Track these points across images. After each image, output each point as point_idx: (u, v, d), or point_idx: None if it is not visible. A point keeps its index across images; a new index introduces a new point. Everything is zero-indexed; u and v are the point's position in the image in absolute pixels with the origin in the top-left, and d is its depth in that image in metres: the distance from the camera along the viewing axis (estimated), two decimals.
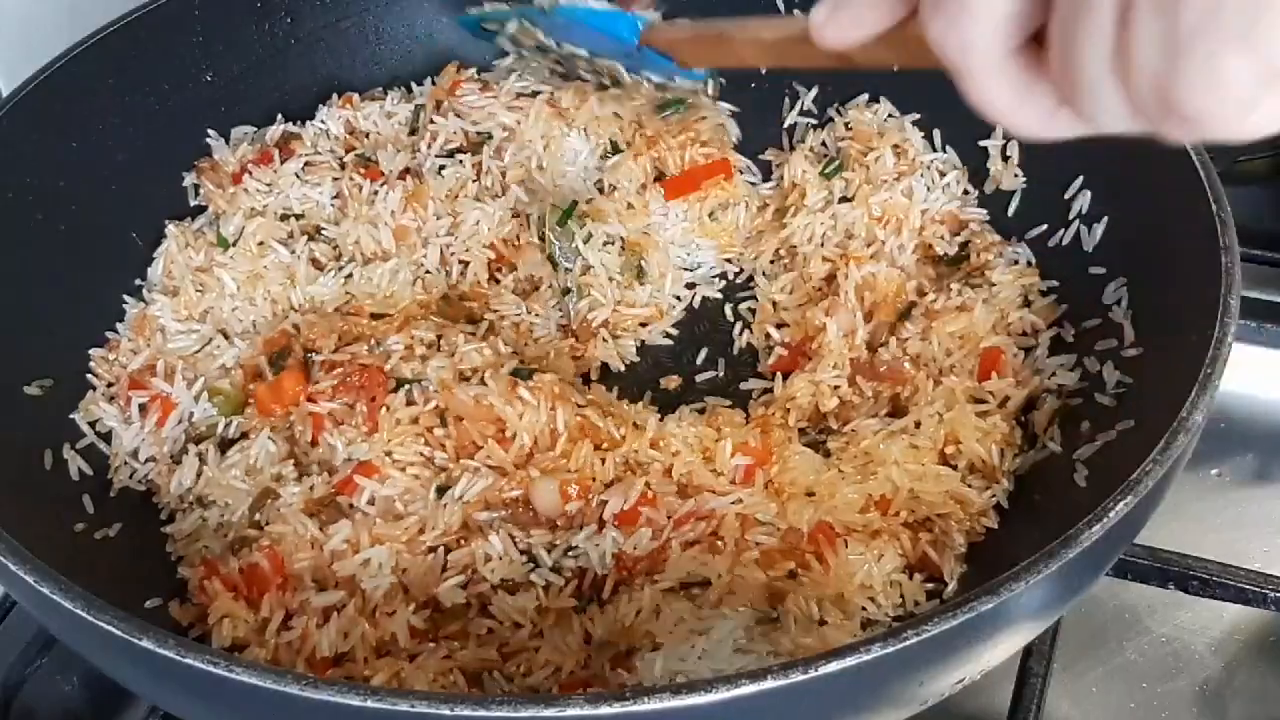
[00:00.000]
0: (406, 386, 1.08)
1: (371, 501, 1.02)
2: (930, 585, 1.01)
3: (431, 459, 1.05)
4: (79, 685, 1.10)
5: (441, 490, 1.03)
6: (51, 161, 1.17)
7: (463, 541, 1.01)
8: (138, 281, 1.24)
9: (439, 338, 1.13)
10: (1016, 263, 1.21)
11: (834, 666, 0.70)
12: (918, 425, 1.09)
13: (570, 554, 1.00)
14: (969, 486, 1.05)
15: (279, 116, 1.34)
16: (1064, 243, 1.19)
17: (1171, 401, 0.87)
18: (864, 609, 0.97)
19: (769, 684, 0.69)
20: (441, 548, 1.00)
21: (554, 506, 1.01)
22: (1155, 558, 1.05)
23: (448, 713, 0.69)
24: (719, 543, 1.00)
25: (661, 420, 1.11)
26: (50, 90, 1.17)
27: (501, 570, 0.99)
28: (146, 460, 1.11)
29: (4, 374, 1.07)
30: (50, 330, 1.13)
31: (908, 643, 0.71)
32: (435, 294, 1.24)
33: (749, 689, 0.69)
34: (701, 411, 1.15)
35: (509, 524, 1.01)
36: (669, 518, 1.00)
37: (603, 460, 1.04)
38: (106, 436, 1.12)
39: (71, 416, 1.11)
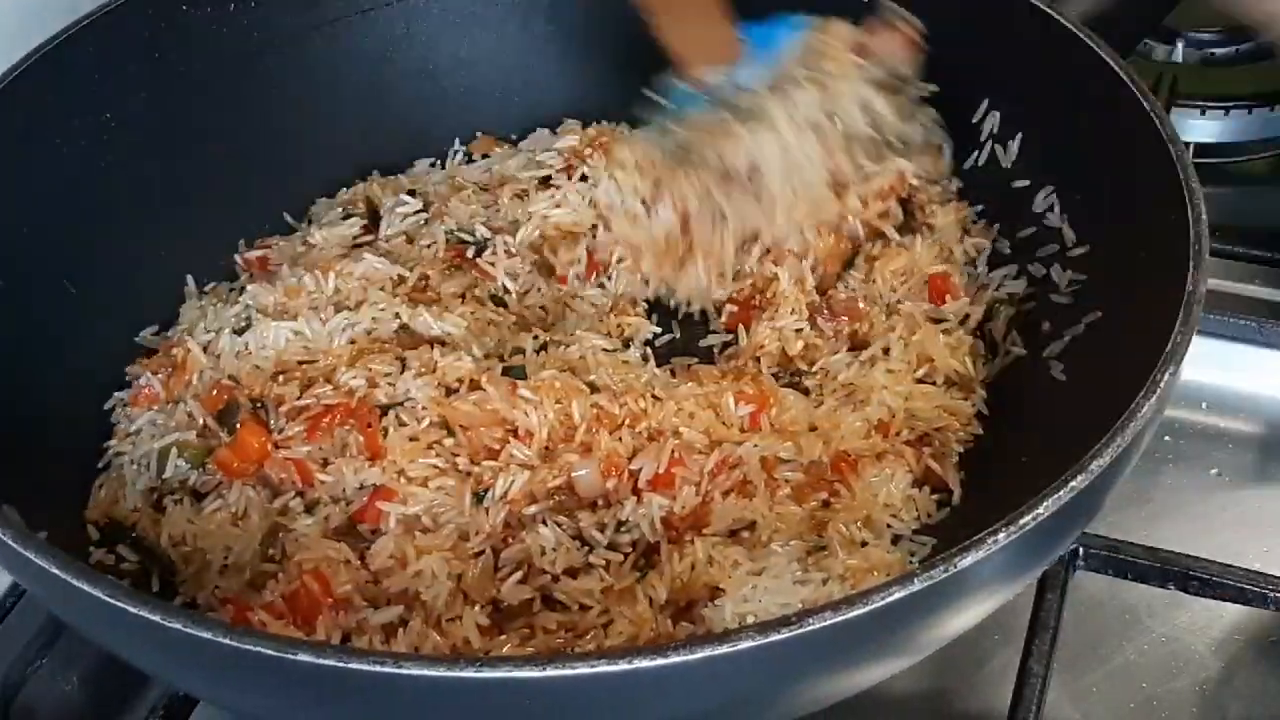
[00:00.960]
0: (391, 411, 1.08)
1: (398, 522, 1.02)
2: (936, 496, 1.06)
3: (452, 468, 1.05)
4: (79, 685, 1.10)
5: (478, 495, 1.03)
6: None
7: (509, 540, 1.01)
8: None
9: (402, 360, 1.13)
10: (950, 201, 1.25)
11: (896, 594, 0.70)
12: (886, 352, 1.15)
13: (622, 529, 1.02)
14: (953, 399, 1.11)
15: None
16: (980, 163, 1.24)
17: (1144, 283, 0.93)
18: (889, 526, 1.03)
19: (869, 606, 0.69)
20: (488, 550, 1.01)
21: (596, 487, 1.04)
22: (1155, 558, 1.06)
23: (586, 671, 0.68)
24: (750, 486, 1.03)
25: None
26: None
27: (561, 559, 1.00)
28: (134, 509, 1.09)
29: None
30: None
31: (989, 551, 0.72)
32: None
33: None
34: (673, 374, 1.16)
35: (554, 513, 1.02)
36: (701, 472, 1.03)
37: (620, 439, 1.06)
38: None
39: None
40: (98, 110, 1.21)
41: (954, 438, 1.09)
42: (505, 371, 1.11)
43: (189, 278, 1.28)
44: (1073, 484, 0.76)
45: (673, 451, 1.04)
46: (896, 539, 1.03)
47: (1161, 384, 0.82)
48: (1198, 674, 1.09)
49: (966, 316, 1.18)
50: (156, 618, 0.72)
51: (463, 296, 1.24)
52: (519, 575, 0.99)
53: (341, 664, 0.69)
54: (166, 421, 1.13)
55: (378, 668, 0.69)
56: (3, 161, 1.12)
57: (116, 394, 1.18)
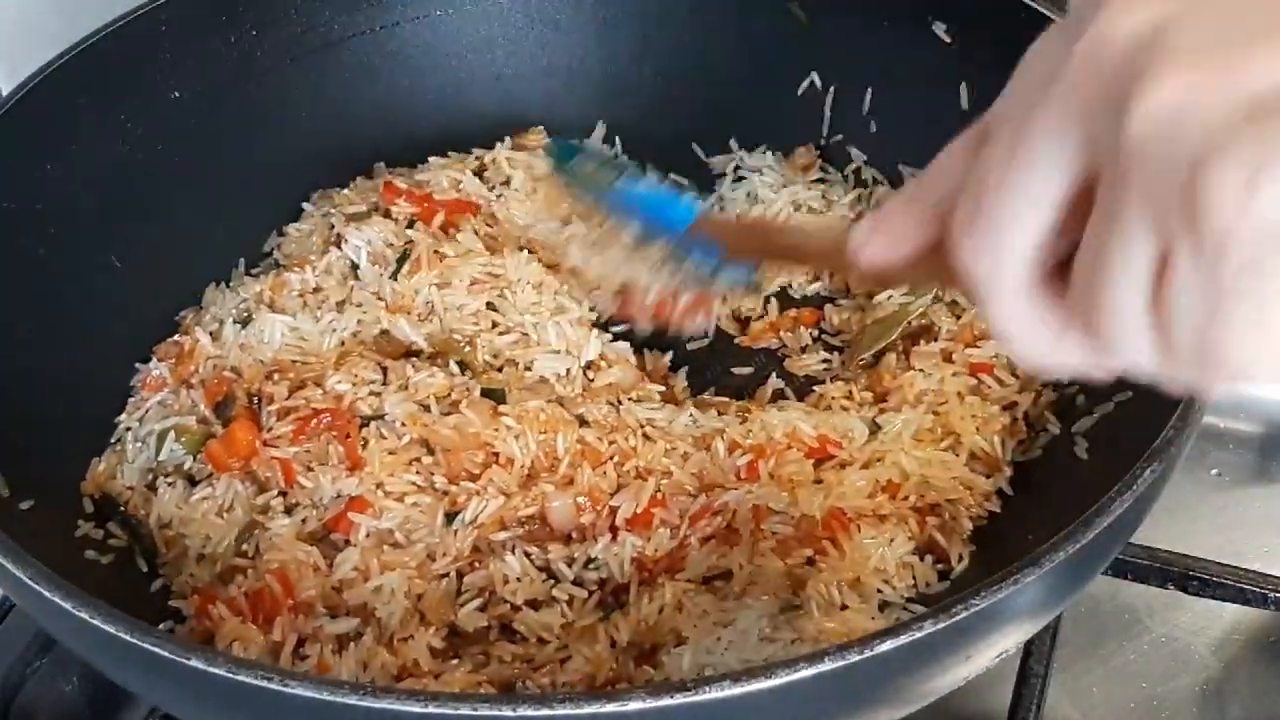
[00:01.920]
0: (373, 423, 1.07)
1: (369, 535, 1.01)
2: (940, 566, 1.01)
3: (429, 486, 1.03)
4: (79, 685, 1.10)
5: (450, 516, 1.01)
6: (28, 180, 1.14)
7: (476, 565, 0.99)
8: None
9: (384, 369, 1.12)
10: None
11: (887, 645, 0.69)
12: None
13: (590, 566, 0.99)
14: (974, 473, 1.05)
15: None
16: None
17: None
18: (880, 591, 0.98)
19: (825, 666, 0.68)
20: (453, 573, 0.99)
21: (570, 521, 1.01)
22: (1155, 558, 1.05)
23: (510, 713, 0.67)
24: (735, 535, 1.00)
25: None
26: (26, 108, 1.12)
27: (524, 590, 0.97)
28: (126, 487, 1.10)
29: None
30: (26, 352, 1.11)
31: (941, 626, 0.70)
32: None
33: (806, 672, 0.68)
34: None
35: (525, 542, 1.00)
36: (682, 516, 1.00)
37: (605, 473, 1.03)
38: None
39: None
40: (152, 94, 1.24)
41: (965, 511, 1.04)
42: (485, 394, 1.09)
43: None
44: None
45: (656, 491, 1.01)
46: (885, 605, 0.98)
47: (1139, 482, 0.79)
48: (1198, 674, 1.09)
49: (1014, 403, 1.10)
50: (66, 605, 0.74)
51: None
52: (478, 602, 0.97)
53: (230, 674, 0.70)
54: (173, 404, 1.14)
55: (264, 683, 0.69)
56: (58, 142, 1.15)
57: (140, 366, 1.19)
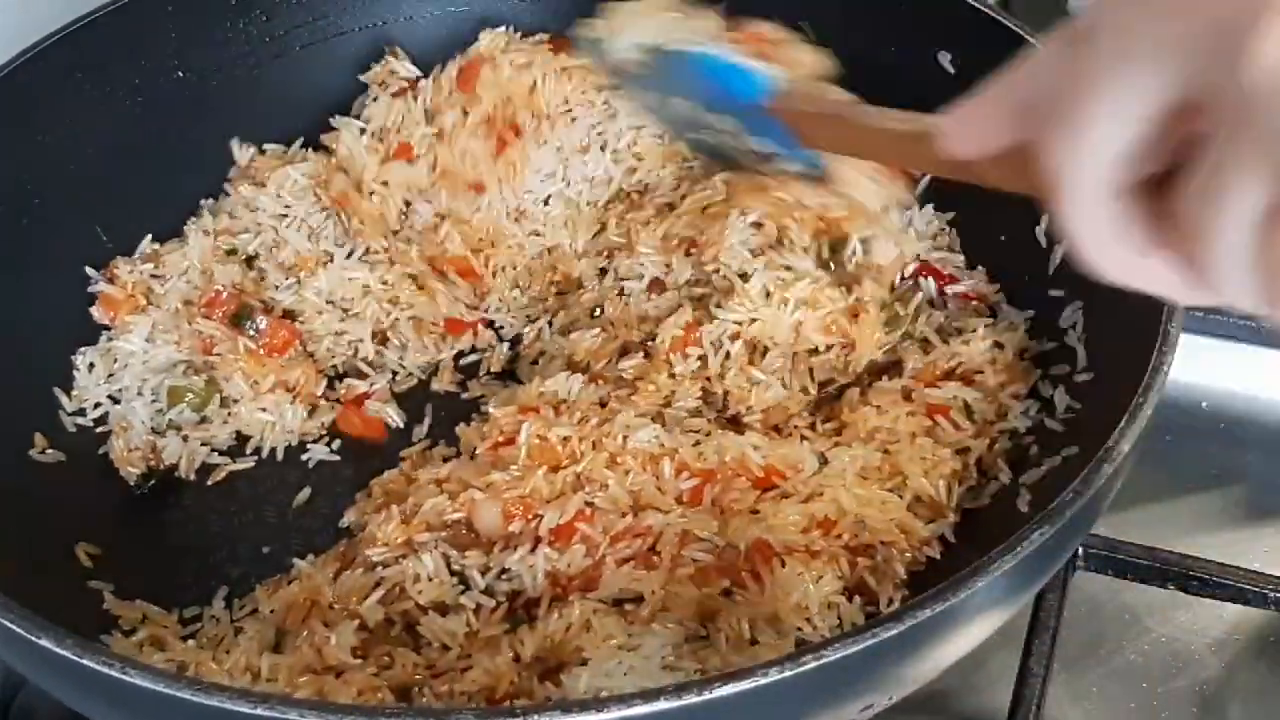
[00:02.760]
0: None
1: None
2: (871, 609, 0.97)
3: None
4: None
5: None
6: (14, 156, 1.17)
7: (401, 559, 0.98)
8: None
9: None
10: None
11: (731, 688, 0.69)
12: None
13: (504, 576, 0.97)
14: (915, 515, 1.01)
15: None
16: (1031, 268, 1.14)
17: (1105, 428, 0.85)
18: (799, 629, 0.94)
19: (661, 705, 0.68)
20: (377, 565, 0.99)
21: (496, 528, 0.98)
22: (1155, 558, 1.05)
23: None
24: (655, 558, 0.97)
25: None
26: (14, 85, 1.16)
27: (430, 592, 0.96)
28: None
29: None
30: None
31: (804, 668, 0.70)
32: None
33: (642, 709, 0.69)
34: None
35: (447, 545, 0.98)
36: (605, 533, 0.97)
37: (551, 481, 1.01)
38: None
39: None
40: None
41: (899, 555, 0.99)
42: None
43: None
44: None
45: (586, 506, 0.98)
46: (801, 644, 0.93)
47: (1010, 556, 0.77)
48: (1198, 674, 1.09)
49: (966, 449, 1.06)
50: None
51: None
52: (380, 593, 0.97)
53: (75, 658, 0.72)
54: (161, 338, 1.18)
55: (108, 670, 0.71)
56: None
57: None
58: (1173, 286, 0.55)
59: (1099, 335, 1.05)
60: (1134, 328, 0.93)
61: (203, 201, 1.30)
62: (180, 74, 1.29)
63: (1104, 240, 0.56)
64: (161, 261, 1.24)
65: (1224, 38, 0.48)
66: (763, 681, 0.70)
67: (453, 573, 0.98)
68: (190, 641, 1.00)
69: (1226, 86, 0.48)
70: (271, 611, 1.00)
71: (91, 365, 1.18)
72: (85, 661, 0.73)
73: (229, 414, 1.17)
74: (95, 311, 1.21)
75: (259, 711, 0.69)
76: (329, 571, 1.01)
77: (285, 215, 1.26)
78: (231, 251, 1.25)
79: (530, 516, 0.99)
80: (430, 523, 1.00)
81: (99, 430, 1.16)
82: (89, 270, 1.22)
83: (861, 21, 1.22)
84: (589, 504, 0.99)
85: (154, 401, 1.16)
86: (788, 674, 0.70)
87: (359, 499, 1.10)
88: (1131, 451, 0.84)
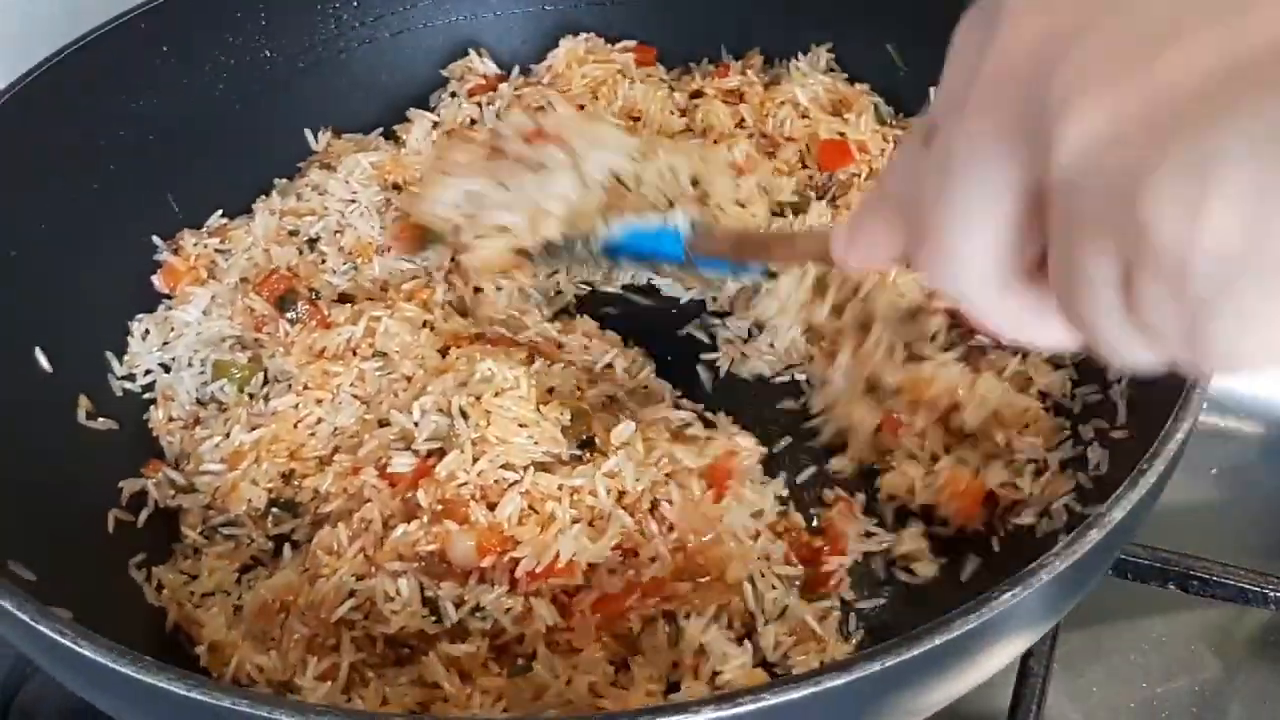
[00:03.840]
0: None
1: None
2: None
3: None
4: None
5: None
6: (94, 121, 1.19)
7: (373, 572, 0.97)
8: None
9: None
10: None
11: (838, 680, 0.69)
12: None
13: (478, 614, 0.95)
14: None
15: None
16: None
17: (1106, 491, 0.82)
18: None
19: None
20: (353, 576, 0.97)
21: (470, 560, 0.96)
22: (1155, 558, 1.05)
23: None
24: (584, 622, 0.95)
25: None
26: (101, 51, 1.18)
27: (400, 619, 0.94)
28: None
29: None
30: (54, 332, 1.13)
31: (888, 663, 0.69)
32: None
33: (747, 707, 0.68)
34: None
35: (419, 574, 0.96)
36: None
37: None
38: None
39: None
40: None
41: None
42: None
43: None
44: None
45: (555, 558, 0.95)
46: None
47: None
48: (1198, 674, 1.09)
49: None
50: None
51: None
52: (351, 603, 0.95)
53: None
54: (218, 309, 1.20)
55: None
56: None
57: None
58: (1078, 344, 0.54)
59: (1140, 392, 1.02)
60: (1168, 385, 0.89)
61: (276, 181, 1.33)
62: (268, 53, 1.32)
63: (1012, 321, 0.55)
64: (228, 237, 1.26)
65: (1032, 126, 0.46)
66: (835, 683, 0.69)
67: (425, 601, 0.95)
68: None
69: (1051, 169, 0.46)
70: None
71: (147, 332, 1.19)
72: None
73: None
74: (156, 280, 1.23)
75: None
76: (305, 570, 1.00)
77: (352, 201, 1.28)
78: (294, 233, 1.27)
79: (503, 553, 0.96)
80: (403, 552, 0.97)
81: (145, 397, 1.17)
82: (155, 239, 1.25)
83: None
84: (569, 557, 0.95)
85: (201, 373, 1.18)
86: (855, 676, 0.69)
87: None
88: (1115, 521, 0.79)
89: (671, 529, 0.98)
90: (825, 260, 0.71)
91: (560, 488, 0.98)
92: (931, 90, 0.56)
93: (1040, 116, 0.46)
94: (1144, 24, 0.44)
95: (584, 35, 1.40)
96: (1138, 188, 0.42)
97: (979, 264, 0.52)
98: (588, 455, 1.02)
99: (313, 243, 1.27)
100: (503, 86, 1.38)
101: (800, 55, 1.38)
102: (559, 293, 1.25)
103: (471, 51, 1.41)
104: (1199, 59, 0.42)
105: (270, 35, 1.32)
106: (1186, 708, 1.06)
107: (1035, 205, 0.49)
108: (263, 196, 1.31)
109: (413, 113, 1.37)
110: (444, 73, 1.41)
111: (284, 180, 1.33)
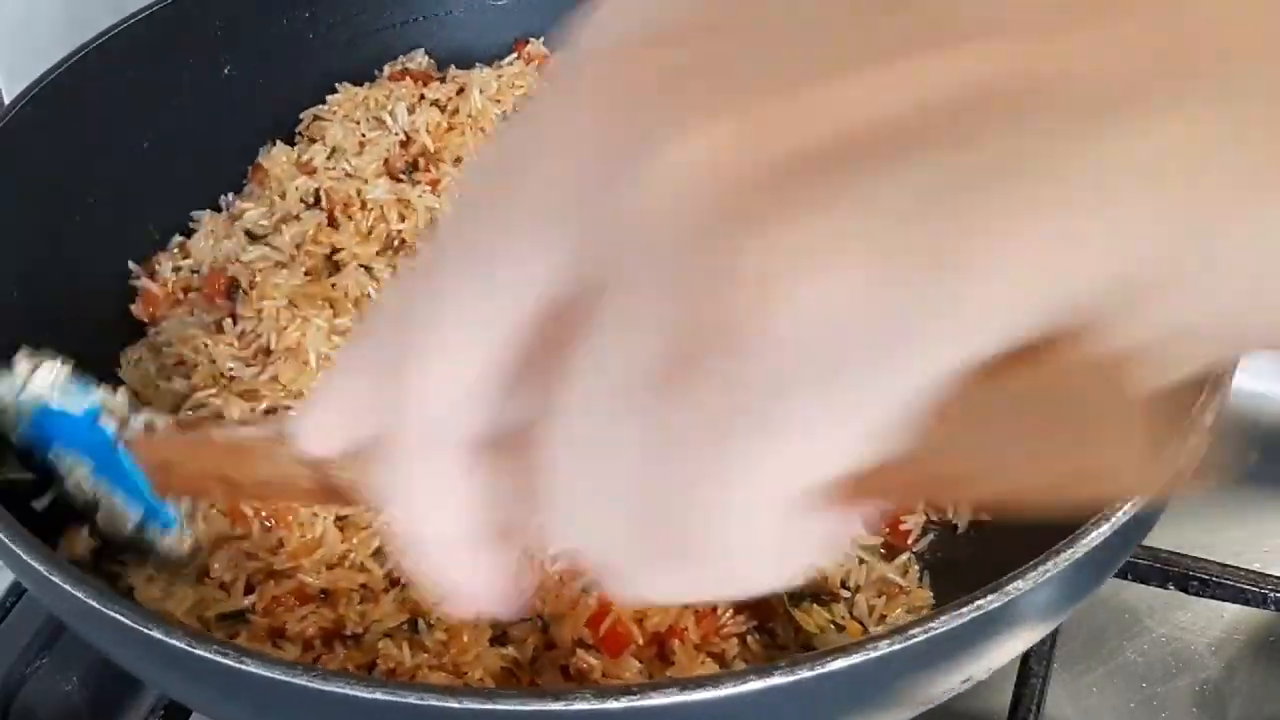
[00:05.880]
0: None
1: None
2: None
3: None
4: (79, 685, 1.10)
5: None
6: (58, 162, 1.16)
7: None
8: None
9: None
10: None
11: (840, 664, 0.67)
12: None
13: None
14: None
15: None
16: None
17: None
18: None
19: (775, 680, 0.66)
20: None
21: None
22: (1155, 558, 1.05)
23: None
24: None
25: None
26: (57, 91, 1.15)
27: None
28: None
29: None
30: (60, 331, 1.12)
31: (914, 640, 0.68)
32: None
33: (756, 684, 0.66)
34: None
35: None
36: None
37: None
38: None
39: None
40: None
41: None
42: None
43: None
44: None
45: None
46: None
47: None
48: (1198, 674, 1.09)
49: None
50: None
51: None
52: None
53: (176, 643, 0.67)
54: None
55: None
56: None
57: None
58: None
59: None
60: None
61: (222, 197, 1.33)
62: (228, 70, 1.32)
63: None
64: (189, 252, 1.25)
65: (613, 176, 0.32)
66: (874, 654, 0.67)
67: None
68: None
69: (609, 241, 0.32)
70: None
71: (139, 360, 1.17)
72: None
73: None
74: (134, 309, 1.21)
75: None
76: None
77: None
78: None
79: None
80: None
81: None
82: (131, 265, 1.22)
83: None
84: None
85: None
86: (896, 646, 0.67)
87: None
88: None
89: None
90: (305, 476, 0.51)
91: None
92: None
93: (613, 172, 0.32)
94: (756, 60, 0.32)
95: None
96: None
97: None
98: None
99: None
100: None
101: None
102: None
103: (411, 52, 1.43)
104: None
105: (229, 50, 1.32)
106: (1186, 708, 1.06)
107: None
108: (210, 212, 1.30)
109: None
110: (378, 73, 1.42)
111: (232, 194, 1.33)
